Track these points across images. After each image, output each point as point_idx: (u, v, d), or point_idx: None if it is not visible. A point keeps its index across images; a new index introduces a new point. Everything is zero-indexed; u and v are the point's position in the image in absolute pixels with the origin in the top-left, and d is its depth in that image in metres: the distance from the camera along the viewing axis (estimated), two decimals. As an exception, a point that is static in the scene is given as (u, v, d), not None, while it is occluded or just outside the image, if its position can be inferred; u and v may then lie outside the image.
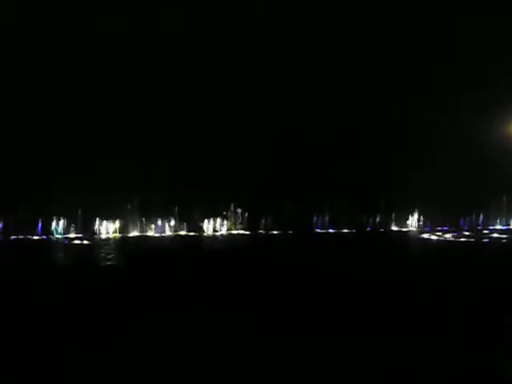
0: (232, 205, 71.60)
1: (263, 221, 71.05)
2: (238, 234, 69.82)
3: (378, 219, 72.19)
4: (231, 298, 17.26)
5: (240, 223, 72.01)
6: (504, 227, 69.26)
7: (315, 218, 72.31)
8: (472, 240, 49.95)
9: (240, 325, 13.39)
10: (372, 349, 11.03)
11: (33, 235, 65.75)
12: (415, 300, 16.32)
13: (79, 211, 67.72)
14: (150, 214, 70.69)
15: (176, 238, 64.47)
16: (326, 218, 72.18)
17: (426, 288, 18.60)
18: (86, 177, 65.90)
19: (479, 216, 71.26)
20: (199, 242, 56.77)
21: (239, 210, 71.70)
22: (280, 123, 70.67)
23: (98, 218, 68.97)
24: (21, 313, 15.57)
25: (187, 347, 11.50)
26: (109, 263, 32.84)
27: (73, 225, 68.49)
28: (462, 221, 70.04)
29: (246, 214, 71.53)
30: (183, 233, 70.80)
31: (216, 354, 10.93)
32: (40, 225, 66.68)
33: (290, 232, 67.45)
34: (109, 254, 40.53)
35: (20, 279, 23.93)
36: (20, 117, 68.26)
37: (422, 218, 72.73)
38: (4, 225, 65.63)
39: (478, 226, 69.74)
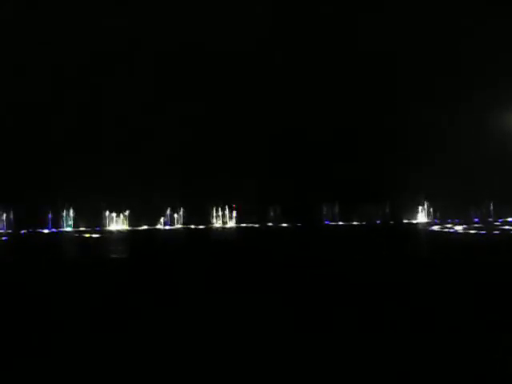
0: (240, 198, 72.17)
1: (272, 214, 71.55)
2: (247, 226, 70.33)
3: (387, 211, 72.39)
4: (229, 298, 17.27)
5: (249, 216, 72.49)
6: None
7: (324, 211, 72.73)
8: (483, 232, 49.95)
9: (239, 326, 13.40)
10: (370, 349, 11.02)
11: (43, 228, 66.92)
12: (415, 299, 16.31)
13: (88, 205, 68.69)
14: (158, 207, 71.43)
15: (185, 231, 65.33)
16: (336, 211, 72.57)
17: (428, 287, 18.58)
18: (92, 174, 66.42)
19: (490, 208, 71.36)
20: (207, 235, 57.44)
21: (248, 204, 72.21)
22: (280, 123, 70.75)
23: (107, 212, 69.87)
24: (20, 313, 15.57)
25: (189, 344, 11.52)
26: (118, 256, 33.18)
27: (83, 218, 69.36)
28: (472, 213, 70.04)
29: (255, 207, 71.99)
30: (192, 226, 71.65)
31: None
32: (50, 218, 67.69)
33: (299, 225, 67.88)
34: (118, 246, 41.12)
35: (23, 276, 23.95)
36: (21, 117, 68.39)
37: (431, 210, 72.98)
38: (14, 219, 66.64)
39: (489, 217, 69.80)
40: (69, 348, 11.57)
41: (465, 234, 48.85)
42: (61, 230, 68.12)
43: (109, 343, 11.92)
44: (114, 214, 70.80)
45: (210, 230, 67.95)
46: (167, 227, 71.54)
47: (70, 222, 69.37)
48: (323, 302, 16.10)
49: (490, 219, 69.00)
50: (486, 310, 14.39)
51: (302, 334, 12.25)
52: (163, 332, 12.78)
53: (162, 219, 72.01)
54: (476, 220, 68.02)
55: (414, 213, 73.34)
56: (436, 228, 58.65)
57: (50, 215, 68.32)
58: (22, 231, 65.16)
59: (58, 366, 10.40)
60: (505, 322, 12.84)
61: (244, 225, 71.83)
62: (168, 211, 72.53)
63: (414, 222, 72.10)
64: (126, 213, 71.12)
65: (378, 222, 71.00)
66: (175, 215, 72.55)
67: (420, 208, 73.38)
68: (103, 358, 10.77)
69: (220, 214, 73.35)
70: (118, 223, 71.05)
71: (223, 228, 70.57)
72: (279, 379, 9.46)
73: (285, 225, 69.45)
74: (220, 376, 9.67)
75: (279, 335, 12.19)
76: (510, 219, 69.10)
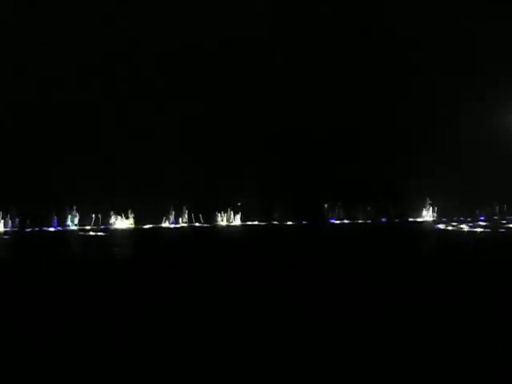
0: (244, 197, 72.22)
1: (277, 212, 71.68)
2: (252, 225, 70.66)
3: (392, 210, 72.38)
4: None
5: (254, 214, 72.54)
6: None
7: (329, 209, 72.86)
8: (488, 230, 50.01)
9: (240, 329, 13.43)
10: (369, 349, 11.03)
11: (48, 227, 67.76)
12: (416, 299, 16.32)
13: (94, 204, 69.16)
14: (164, 206, 71.72)
15: (190, 229, 65.89)
16: (341, 209, 72.73)
17: (428, 287, 18.58)
18: (95, 174, 66.65)
19: (495, 206, 71.27)
20: (212, 234, 57.93)
21: (252, 202, 72.13)
22: (280, 123, 70.73)
23: (112, 210, 70.28)
24: (21, 312, 15.58)
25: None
26: (123, 255, 33.38)
27: (92, 215, 69.78)
28: (477, 211, 69.91)
29: (259, 206, 71.94)
30: (197, 224, 72.06)
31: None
32: (55, 217, 68.29)
33: (305, 223, 68.31)
34: (123, 245, 41.45)
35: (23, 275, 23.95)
36: (21, 117, 68.46)
37: (437, 208, 72.98)
38: (20, 218, 67.30)
39: (495, 216, 69.81)
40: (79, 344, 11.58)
41: (470, 233, 48.96)
42: (66, 228, 68.83)
43: (108, 342, 11.95)
44: (119, 213, 71.25)
45: (216, 228, 68.47)
46: (172, 226, 72.04)
47: (76, 221, 70.00)
48: (323, 302, 16.11)
49: (496, 217, 69.06)
50: (486, 309, 14.41)
51: (300, 334, 12.26)
52: (165, 331, 12.82)
53: (166, 218, 72.43)
54: (481, 218, 68.03)
55: (420, 211, 73.47)
56: (441, 226, 58.97)
57: (53, 213, 68.82)
58: (28, 230, 65.94)
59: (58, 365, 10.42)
60: (505, 322, 12.86)
61: (249, 223, 72.22)
62: (172, 210, 72.90)
63: (420, 220, 72.36)
64: (131, 211, 71.53)
65: (383, 220, 71.20)
66: (181, 213, 72.90)
67: (425, 207, 73.50)
68: (103, 356, 10.81)
69: (224, 212, 73.66)
70: (123, 222, 71.53)
71: (228, 226, 70.98)
72: (278, 377, 9.48)
73: (290, 223, 69.87)
74: (221, 374, 9.70)
75: (278, 335, 12.20)
76: None
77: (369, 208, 72.07)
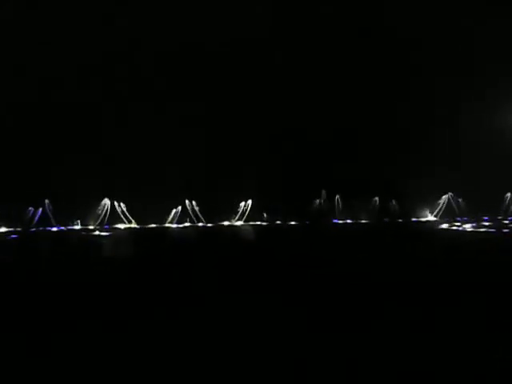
0: (247, 197, 72.23)
1: (279, 212, 71.69)
2: (255, 224, 70.72)
3: (396, 210, 72.32)
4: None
5: (255, 214, 72.58)
6: None
7: (332, 210, 72.90)
8: (492, 230, 49.96)
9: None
10: (370, 349, 11.02)
11: (52, 227, 68.25)
12: (415, 299, 16.29)
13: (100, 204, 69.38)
14: (168, 206, 71.77)
15: (193, 230, 66.01)
16: (343, 210, 72.76)
17: (428, 287, 18.56)
18: (99, 175, 66.73)
19: (499, 206, 71.25)
20: (216, 234, 58.09)
21: (254, 202, 72.06)
22: (280, 123, 70.70)
23: (116, 210, 70.28)
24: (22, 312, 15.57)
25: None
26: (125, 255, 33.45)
27: (97, 214, 69.86)
28: (480, 212, 69.84)
29: (261, 206, 71.97)
30: (200, 224, 72.07)
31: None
32: (54, 216, 68.47)
33: (308, 223, 68.39)
34: (126, 245, 41.55)
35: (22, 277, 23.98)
36: (21, 117, 68.45)
37: (441, 208, 72.90)
38: (23, 218, 67.64)
39: (498, 216, 69.87)
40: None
41: (474, 233, 48.92)
42: (69, 228, 69.06)
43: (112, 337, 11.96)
44: (121, 213, 71.34)
45: (218, 228, 68.63)
46: (174, 226, 72.13)
47: (78, 221, 70.30)
48: (323, 302, 16.10)
49: (500, 217, 69.19)
50: (486, 309, 14.39)
51: (300, 334, 12.25)
52: (165, 332, 12.84)
53: (170, 217, 72.56)
54: (485, 218, 68.11)
55: (424, 211, 73.55)
56: (445, 226, 59.07)
57: (50, 213, 68.93)
58: (32, 229, 66.28)
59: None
60: (505, 322, 12.85)
61: (251, 223, 72.34)
62: (175, 210, 72.96)
63: (424, 220, 72.46)
64: (132, 213, 71.61)
65: (385, 220, 71.35)
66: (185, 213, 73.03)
67: (429, 207, 73.54)
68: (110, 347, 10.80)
69: (228, 212, 73.79)
70: (126, 221, 71.68)
71: (231, 226, 71.05)
72: (276, 374, 9.48)
73: (293, 223, 70.03)
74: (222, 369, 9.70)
75: (278, 335, 12.20)
76: None
77: (372, 205, 72.28)
